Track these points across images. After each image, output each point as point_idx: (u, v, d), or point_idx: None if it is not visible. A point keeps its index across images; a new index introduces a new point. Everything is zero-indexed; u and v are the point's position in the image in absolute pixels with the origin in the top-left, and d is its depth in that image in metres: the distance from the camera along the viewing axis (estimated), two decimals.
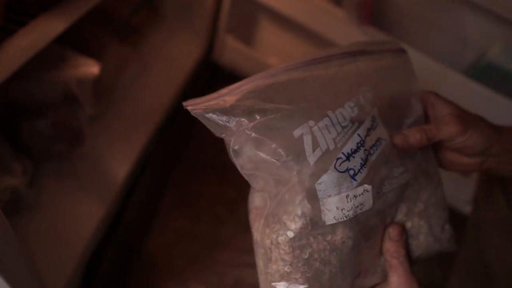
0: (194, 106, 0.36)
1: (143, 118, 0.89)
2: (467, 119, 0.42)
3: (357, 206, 0.36)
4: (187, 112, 0.38)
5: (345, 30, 0.81)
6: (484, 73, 0.74)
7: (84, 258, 0.70)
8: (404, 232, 0.40)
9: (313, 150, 0.35)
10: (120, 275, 0.78)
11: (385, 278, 0.41)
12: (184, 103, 0.37)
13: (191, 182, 1.01)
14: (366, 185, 0.36)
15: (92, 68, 0.68)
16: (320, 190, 0.34)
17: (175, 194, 0.99)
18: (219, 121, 0.35)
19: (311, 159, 0.34)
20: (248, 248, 0.93)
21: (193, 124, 1.03)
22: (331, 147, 0.35)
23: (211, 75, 1.21)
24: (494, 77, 0.73)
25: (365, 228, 0.38)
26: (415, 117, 0.42)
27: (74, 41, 0.75)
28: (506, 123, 0.47)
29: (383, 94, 0.41)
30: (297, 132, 0.35)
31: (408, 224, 0.41)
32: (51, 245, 0.67)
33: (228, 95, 0.36)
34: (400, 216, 0.41)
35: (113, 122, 0.84)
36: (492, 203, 0.68)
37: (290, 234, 0.35)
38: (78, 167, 0.75)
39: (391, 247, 0.40)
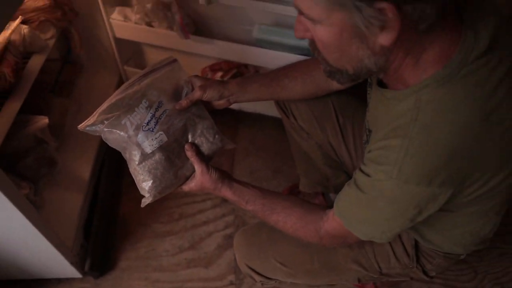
0: (80, 126, 0.85)
1: (90, 139, 1.38)
2: (206, 85, 0.88)
3: (159, 142, 0.84)
4: None
5: (179, 42, 1.33)
6: (264, 43, 1.27)
7: (80, 222, 1.21)
8: (192, 145, 0.88)
9: (132, 126, 0.83)
10: (107, 230, 1.30)
11: (194, 169, 0.91)
12: (78, 127, 0.86)
13: None
14: (160, 132, 0.84)
15: (44, 120, 1.17)
16: (139, 140, 0.84)
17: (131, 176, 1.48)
18: (91, 130, 0.84)
19: (131, 130, 0.83)
20: (184, 197, 1.43)
21: None
22: (139, 122, 0.83)
23: None
24: (268, 44, 1.27)
25: (170, 149, 0.86)
26: (186, 92, 0.91)
27: (30, 107, 1.24)
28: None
29: (165, 89, 0.88)
30: (122, 122, 0.83)
31: (196, 141, 0.90)
32: (58, 220, 1.18)
33: (93, 116, 0.86)
34: (191, 139, 0.89)
35: (71, 146, 1.35)
36: (284, 118, 1.16)
37: (136, 162, 0.85)
38: (59, 178, 1.26)
39: (188, 153, 0.88)
